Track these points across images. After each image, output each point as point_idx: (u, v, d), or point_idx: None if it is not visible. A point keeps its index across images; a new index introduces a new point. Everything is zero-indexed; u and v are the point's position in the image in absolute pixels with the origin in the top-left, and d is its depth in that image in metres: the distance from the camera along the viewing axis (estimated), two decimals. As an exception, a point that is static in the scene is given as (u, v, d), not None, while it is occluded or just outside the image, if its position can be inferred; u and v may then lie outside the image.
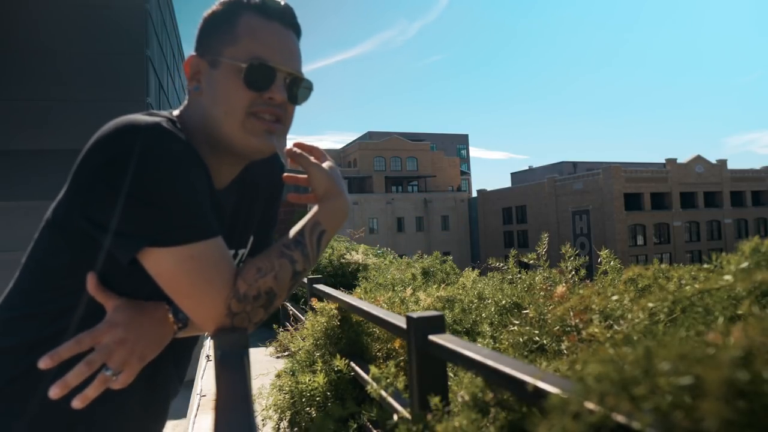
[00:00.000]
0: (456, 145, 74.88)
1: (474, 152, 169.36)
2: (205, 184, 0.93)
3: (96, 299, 0.91)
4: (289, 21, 0.97)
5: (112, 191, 0.81)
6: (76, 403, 0.86)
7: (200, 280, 0.85)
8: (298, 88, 0.98)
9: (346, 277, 7.25)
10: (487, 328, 2.07)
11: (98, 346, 0.87)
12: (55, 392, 0.85)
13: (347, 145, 65.26)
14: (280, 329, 4.90)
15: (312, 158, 1.00)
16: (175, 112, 1.01)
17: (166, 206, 0.84)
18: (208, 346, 5.62)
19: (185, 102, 1.02)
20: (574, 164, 58.41)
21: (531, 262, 2.30)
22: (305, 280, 4.22)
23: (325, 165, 1.01)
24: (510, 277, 2.51)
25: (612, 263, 2.12)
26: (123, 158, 0.82)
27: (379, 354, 2.78)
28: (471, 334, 2.36)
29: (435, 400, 1.15)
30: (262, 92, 0.93)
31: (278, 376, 3.26)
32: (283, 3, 0.98)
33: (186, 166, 0.87)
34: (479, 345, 1.66)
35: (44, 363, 0.85)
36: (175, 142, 0.87)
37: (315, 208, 0.98)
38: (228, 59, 0.92)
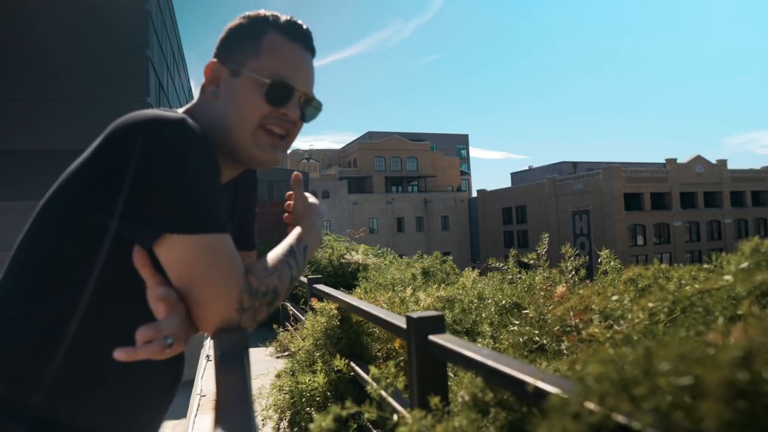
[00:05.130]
0: (456, 145, 74.90)
1: (474, 152, 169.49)
2: (219, 180, 0.96)
3: (122, 284, 0.89)
4: (309, 44, 1.06)
5: (139, 179, 0.83)
6: (120, 354, 0.78)
7: (216, 270, 0.86)
8: (309, 108, 1.08)
9: (346, 277, 7.26)
10: (487, 328, 2.07)
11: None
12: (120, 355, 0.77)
13: (347, 145, 65.33)
14: (280, 329, 4.90)
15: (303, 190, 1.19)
16: (180, 110, 1.03)
17: (189, 195, 0.86)
18: (208, 346, 5.62)
19: (194, 102, 1.06)
20: (574, 164, 58.37)
21: (531, 262, 2.30)
22: (305, 280, 4.27)
23: (311, 199, 1.21)
24: (510, 277, 2.51)
25: (612, 263, 2.12)
26: (150, 148, 0.84)
27: (379, 354, 2.78)
28: (471, 334, 2.36)
29: (435, 400, 1.15)
30: (278, 107, 1.01)
31: (278, 376, 3.27)
32: (304, 27, 1.06)
33: (209, 161, 0.91)
34: (479, 345, 1.66)
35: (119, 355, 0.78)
36: (198, 137, 0.90)
37: (296, 229, 1.11)
38: (251, 72, 0.99)
